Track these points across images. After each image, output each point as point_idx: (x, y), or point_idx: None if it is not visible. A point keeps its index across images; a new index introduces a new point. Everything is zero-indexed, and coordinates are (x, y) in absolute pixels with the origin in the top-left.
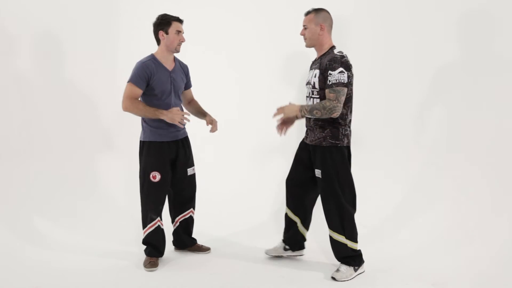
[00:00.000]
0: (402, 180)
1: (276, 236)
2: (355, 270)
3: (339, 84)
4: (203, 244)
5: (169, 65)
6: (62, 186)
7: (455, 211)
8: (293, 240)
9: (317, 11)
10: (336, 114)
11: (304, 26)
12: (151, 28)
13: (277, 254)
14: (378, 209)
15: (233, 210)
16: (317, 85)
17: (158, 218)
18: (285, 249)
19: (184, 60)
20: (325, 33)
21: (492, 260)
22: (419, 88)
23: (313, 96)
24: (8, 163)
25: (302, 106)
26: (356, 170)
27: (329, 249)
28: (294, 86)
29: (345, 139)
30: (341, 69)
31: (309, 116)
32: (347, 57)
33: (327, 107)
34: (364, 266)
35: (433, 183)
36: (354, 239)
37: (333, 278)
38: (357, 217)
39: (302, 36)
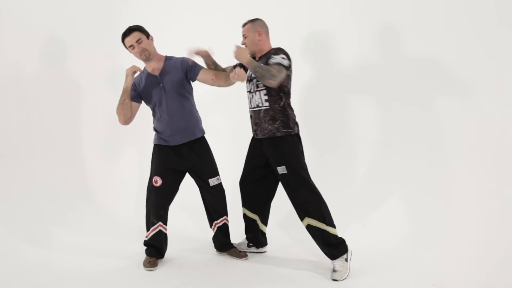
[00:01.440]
0: (402, 180)
1: (277, 237)
2: (347, 261)
3: (280, 64)
4: (241, 250)
5: (155, 71)
6: (62, 186)
7: (455, 211)
8: (256, 238)
9: (253, 20)
10: (272, 82)
11: (243, 35)
12: (151, 29)
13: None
14: (378, 209)
15: (233, 210)
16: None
17: (160, 223)
18: (249, 246)
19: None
20: (264, 38)
21: (492, 260)
22: (417, 85)
23: (257, 89)
24: (9, 163)
25: (252, 60)
26: (357, 170)
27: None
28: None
29: (296, 127)
30: (283, 55)
31: (251, 70)
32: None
33: (271, 71)
34: (350, 254)
35: (434, 183)
36: (333, 225)
37: (335, 280)
38: (358, 216)
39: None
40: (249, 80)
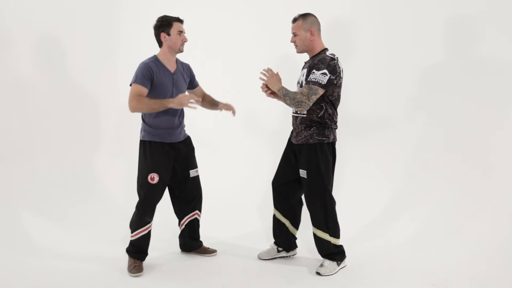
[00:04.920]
0: (403, 181)
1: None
2: (338, 265)
3: (316, 83)
4: (209, 247)
5: (171, 67)
6: (62, 186)
7: (456, 212)
8: (287, 242)
9: (304, 16)
10: (301, 109)
11: (293, 33)
12: (152, 30)
13: (270, 257)
14: (378, 209)
15: (232, 210)
16: (304, 84)
17: (151, 222)
18: (279, 251)
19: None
20: (316, 37)
21: (491, 259)
22: (418, 85)
23: None
24: (9, 163)
25: (283, 87)
26: (359, 169)
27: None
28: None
29: (331, 135)
30: (325, 70)
31: (281, 97)
32: (337, 60)
33: (297, 99)
34: (346, 260)
35: (434, 183)
36: (337, 236)
37: (318, 273)
38: (357, 216)
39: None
40: (297, 83)
